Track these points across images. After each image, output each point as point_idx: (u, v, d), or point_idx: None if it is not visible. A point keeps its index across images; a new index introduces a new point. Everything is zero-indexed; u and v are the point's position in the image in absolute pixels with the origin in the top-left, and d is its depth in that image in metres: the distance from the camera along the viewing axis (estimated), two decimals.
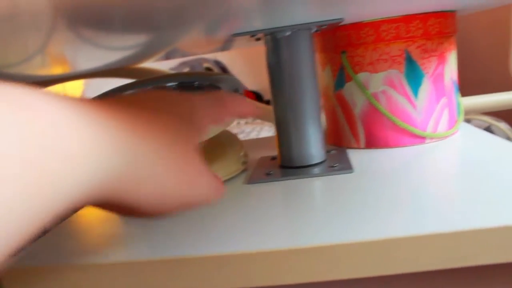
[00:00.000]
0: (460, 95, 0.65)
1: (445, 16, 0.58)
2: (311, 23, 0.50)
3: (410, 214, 0.37)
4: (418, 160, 0.52)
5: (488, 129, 1.04)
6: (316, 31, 0.57)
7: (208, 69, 2.20)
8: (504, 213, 0.34)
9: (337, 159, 0.56)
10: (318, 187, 0.48)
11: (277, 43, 0.53)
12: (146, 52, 0.71)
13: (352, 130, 0.62)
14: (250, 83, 2.23)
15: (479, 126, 1.05)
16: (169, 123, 0.26)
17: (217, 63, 2.31)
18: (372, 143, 0.61)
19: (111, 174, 0.21)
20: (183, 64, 2.28)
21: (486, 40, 1.66)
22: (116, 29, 0.37)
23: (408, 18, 0.56)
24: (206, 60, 2.22)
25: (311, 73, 0.54)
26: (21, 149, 0.16)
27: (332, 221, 0.37)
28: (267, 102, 1.96)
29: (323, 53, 0.64)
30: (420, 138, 0.60)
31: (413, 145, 0.60)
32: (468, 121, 1.06)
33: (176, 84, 0.61)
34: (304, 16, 0.45)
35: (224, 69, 2.31)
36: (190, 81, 0.60)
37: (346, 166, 0.52)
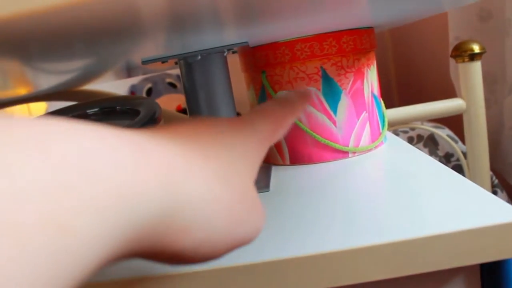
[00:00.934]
0: (384, 107, 0.67)
1: (359, 33, 0.60)
2: (218, 47, 0.51)
3: (320, 229, 0.37)
4: (339, 175, 0.53)
5: (431, 137, 1.07)
6: (233, 52, 0.58)
7: (171, 84, 2.20)
8: (421, 224, 0.35)
9: (258, 177, 0.57)
10: None
11: (189, 68, 0.54)
12: (83, 77, 0.71)
13: (277, 148, 0.63)
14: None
15: (422, 134, 1.07)
16: (223, 154, 0.23)
17: (179, 78, 2.31)
18: (296, 159, 0.62)
19: (161, 218, 0.18)
20: (146, 80, 2.27)
21: (428, 49, 1.70)
22: (37, 56, 0.37)
23: (321, 37, 0.58)
24: (169, 75, 2.23)
25: (227, 95, 0.55)
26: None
27: None
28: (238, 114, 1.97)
29: (246, 73, 0.65)
30: (343, 153, 0.61)
31: (337, 160, 0.61)
32: (412, 129, 1.09)
33: (98, 110, 0.61)
34: (208, 41, 0.46)
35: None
36: (111, 106, 0.60)
37: (263, 185, 0.53)
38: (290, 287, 0.34)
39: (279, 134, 0.29)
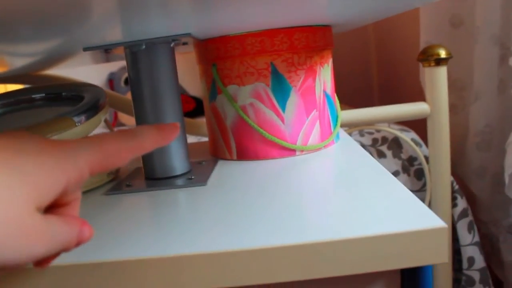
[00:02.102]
0: (338, 106, 0.67)
1: (312, 30, 0.59)
2: (162, 37, 0.50)
3: (242, 226, 0.37)
4: (281, 173, 0.53)
5: (395, 140, 1.07)
6: (183, 44, 0.58)
7: None
8: (343, 227, 0.35)
9: (200, 171, 0.57)
10: (163, 199, 0.48)
11: (134, 57, 0.53)
12: (43, 60, 0.70)
13: (225, 142, 0.62)
14: (191, 89, 2.22)
15: (387, 137, 1.07)
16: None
17: None
18: (243, 155, 0.61)
19: None
20: (125, 68, 2.25)
21: (408, 52, 1.71)
22: None
23: (272, 32, 0.57)
24: None
25: (172, 86, 0.54)
26: None
27: (167, 234, 0.37)
28: None
29: (199, 65, 0.64)
30: (290, 151, 0.60)
31: (283, 157, 0.60)
32: (378, 131, 1.09)
33: (43, 95, 0.60)
34: (152, 30, 0.45)
35: None
36: (56, 92, 0.59)
37: (202, 179, 0.53)
38: (195, 283, 0.34)
39: (106, 166, 0.28)
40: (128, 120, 2.12)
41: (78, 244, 0.26)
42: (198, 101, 1.99)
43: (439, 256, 0.34)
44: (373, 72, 2.31)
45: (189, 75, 2.22)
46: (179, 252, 0.34)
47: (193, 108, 1.94)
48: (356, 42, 2.29)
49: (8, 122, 0.55)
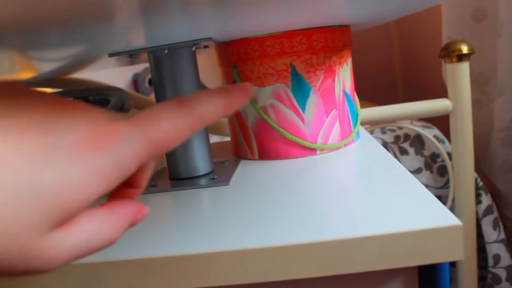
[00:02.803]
0: (358, 105, 0.67)
1: (331, 31, 0.60)
2: (183, 42, 0.52)
3: (263, 225, 0.38)
4: (302, 172, 0.54)
5: (418, 137, 1.07)
6: (205, 47, 0.59)
7: None
8: (363, 224, 0.36)
9: (223, 171, 0.58)
10: (187, 199, 0.49)
11: (158, 61, 0.55)
12: (69, 65, 0.73)
13: (247, 142, 0.64)
14: (212, 86, 2.25)
15: (409, 134, 1.07)
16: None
17: None
18: (264, 154, 0.63)
19: None
20: (148, 69, 2.29)
21: (432, 48, 1.69)
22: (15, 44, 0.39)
23: (291, 34, 0.58)
24: None
25: (194, 88, 0.55)
26: None
27: (190, 232, 0.39)
28: None
29: (221, 67, 0.66)
30: (310, 150, 0.61)
31: (304, 157, 0.61)
32: (400, 128, 1.09)
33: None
34: (174, 35, 0.47)
35: None
36: (83, 96, 0.61)
37: (224, 179, 0.54)
38: (219, 279, 0.35)
39: (158, 155, 0.22)
40: None
41: (133, 224, 0.23)
42: None
43: (454, 254, 0.35)
44: (397, 68, 2.29)
45: (213, 75, 2.24)
46: (203, 250, 0.35)
47: None
48: (379, 38, 2.28)
49: None
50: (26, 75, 0.83)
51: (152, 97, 1.93)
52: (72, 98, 0.62)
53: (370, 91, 2.26)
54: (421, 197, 0.40)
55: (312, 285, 0.42)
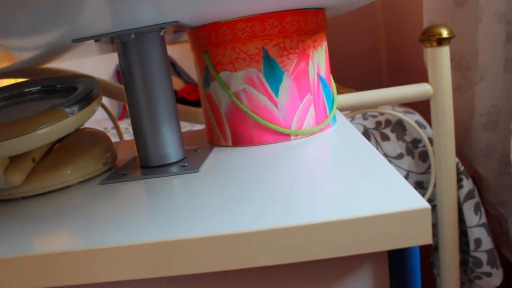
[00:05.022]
0: (334, 89, 0.66)
1: (304, 14, 0.59)
2: (149, 26, 0.50)
3: (228, 212, 0.37)
4: (275, 158, 0.53)
5: (399, 122, 1.06)
6: (175, 31, 0.58)
7: None
8: (329, 209, 0.35)
9: (195, 158, 0.57)
10: (156, 187, 0.48)
11: (125, 47, 0.53)
12: (43, 54, 0.71)
13: (220, 128, 0.63)
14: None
15: (391, 119, 1.07)
16: None
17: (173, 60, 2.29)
18: (237, 141, 0.61)
19: None
20: None
21: (409, 34, 1.68)
22: None
23: (263, 17, 0.57)
24: None
25: (163, 74, 0.54)
26: None
27: (160, 219, 0.38)
28: None
29: (193, 53, 0.64)
30: (284, 135, 0.60)
31: (278, 142, 0.60)
32: (381, 114, 1.08)
33: (39, 89, 0.60)
34: (140, 19, 0.46)
35: (173, 64, 2.30)
36: (51, 85, 0.60)
37: (195, 166, 0.53)
38: (189, 266, 0.34)
39: None
40: None
41: None
42: None
43: (423, 238, 0.34)
44: (382, 55, 2.29)
45: None
46: (170, 237, 0.34)
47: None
48: (364, 24, 2.27)
49: (2, 116, 0.56)
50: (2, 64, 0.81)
51: None
52: (40, 87, 0.61)
53: (355, 79, 2.26)
54: (392, 181, 0.39)
55: (278, 272, 0.41)
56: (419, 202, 0.34)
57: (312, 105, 0.62)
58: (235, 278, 0.41)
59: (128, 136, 1.55)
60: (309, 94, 0.61)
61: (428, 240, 0.34)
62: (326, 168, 0.46)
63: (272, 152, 0.56)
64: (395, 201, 0.35)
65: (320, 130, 0.63)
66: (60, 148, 0.56)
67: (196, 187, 0.46)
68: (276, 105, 0.59)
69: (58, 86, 0.59)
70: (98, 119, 2.18)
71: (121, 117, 2.22)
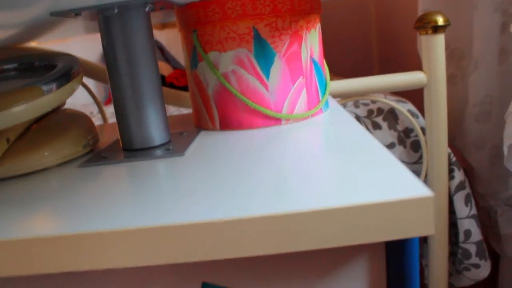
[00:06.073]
0: (327, 74, 0.64)
1: None
2: (133, 0, 0.47)
3: (213, 197, 0.35)
4: (265, 143, 0.51)
5: (391, 111, 1.04)
6: (161, 8, 0.55)
7: None
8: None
9: (180, 142, 0.54)
10: (139, 170, 0.46)
11: (107, 22, 0.50)
12: (23, 32, 0.67)
13: (208, 111, 0.60)
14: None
15: (383, 108, 1.05)
16: None
17: (156, 43, 2.25)
18: (226, 124, 0.59)
19: None
20: None
21: (409, 21, 1.66)
22: None
23: None
24: None
25: (148, 53, 0.51)
26: None
27: (137, 205, 0.35)
28: None
29: (180, 32, 0.61)
30: (275, 120, 0.58)
31: (268, 127, 0.58)
32: (373, 102, 1.06)
33: (15, 66, 0.57)
34: None
35: (161, 49, 2.26)
36: (29, 62, 0.57)
37: (180, 149, 0.50)
38: (171, 254, 0.32)
39: None
40: None
41: None
42: None
43: (425, 228, 0.32)
44: (373, 43, 2.26)
45: None
46: (156, 223, 0.32)
47: None
48: (356, 13, 2.24)
49: None
50: None
51: None
52: (17, 65, 0.57)
53: (346, 68, 2.23)
54: (390, 168, 0.37)
55: (272, 262, 0.39)
56: (422, 190, 0.31)
57: (305, 89, 0.59)
58: (220, 268, 0.39)
59: (115, 121, 1.51)
60: (301, 77, 0.58)
61: (430, 230, 0.32)
62: (320, 154, 0.43)
63: (262, 136, 0.54)
64: (396, 188, 0.32)
65: (312, 115, 0.61)
66: (37, 128, 0.53)
67: (182, 172, 0.43)
68: (267, 87, 0.57)
69: (36, 63, 0.56)
70: (84, 104, 2.13)
71: (108, 102, 2.18)
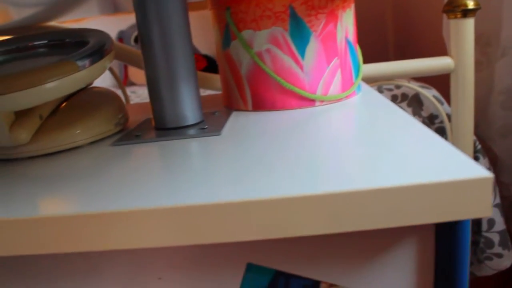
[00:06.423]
0: (360, 55, 0.62)
1: None
2: None
3: (255, 177, 0.34)
4: (300, 123, 0.49)
5: (416, 96, 1.02)
6: None
7: None
8: (373, 177, 0.32)
9: (214, 121, 0.53)
10: (174, 149, 0.45)
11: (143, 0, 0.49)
12: (47, 10, 0.66)
13: (240, 92, 0.59)
14: (202, 47, 2.17)
15: (407, 93, 1.03)
16: None
17: None
18: (259, 105, 0.58)
19: None
20: (134, 27, 2.20)
21: (427, 5, 1.63)
22: None
23: None
24: None
25: (182, 31, 0.50)
26: None
27: (182, 184, 0.34)
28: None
29: (212, 10, 0.60)
30: (309, 101, 0.57)
31: (302, 108, 0.57)
32: (397, 87, 1.04)
33: (46, 42, 0.56)
34: None
35: None
36: (60, 38, 0.55)
37: (216, 129, 0.49)
38: (207, 234, 0.31)
39: None
40: (138, 79, 2.08)
41: None
42: (209, 60, 1.95)
43: (482, 209, 0.31)
44: (388, 27, 2.23)
45: (200, 33, 2.16)
46: (190, 202, 0.31)
47: (204, 67, 1.90)
48: (371, 1, 2.20)
49: (8, 70, 0.52)
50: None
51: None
52: (47, 41, 0.56)
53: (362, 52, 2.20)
54: (440, 148, 0.36)
55: (314, 243, 0.38)
56: (482, 171, 0.30)
57: (339, 70, 0.58)
58: (265, 249, 0.38)
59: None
60: (336, 58, 0.57)
61: (488, 212, 0.31)
62: (360, 135, 0.42)
63: (296, 117, 0.52)
64: (451, 169, 0.31)
65: (347, 97, 0.59)
66: (68, 106, 0.52)
67: (218, 151, 0.42)
68: (301, 67, 0.55)
69: (67, 40, 0.55)
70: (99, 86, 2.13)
71: (123, 83, 2.17)
